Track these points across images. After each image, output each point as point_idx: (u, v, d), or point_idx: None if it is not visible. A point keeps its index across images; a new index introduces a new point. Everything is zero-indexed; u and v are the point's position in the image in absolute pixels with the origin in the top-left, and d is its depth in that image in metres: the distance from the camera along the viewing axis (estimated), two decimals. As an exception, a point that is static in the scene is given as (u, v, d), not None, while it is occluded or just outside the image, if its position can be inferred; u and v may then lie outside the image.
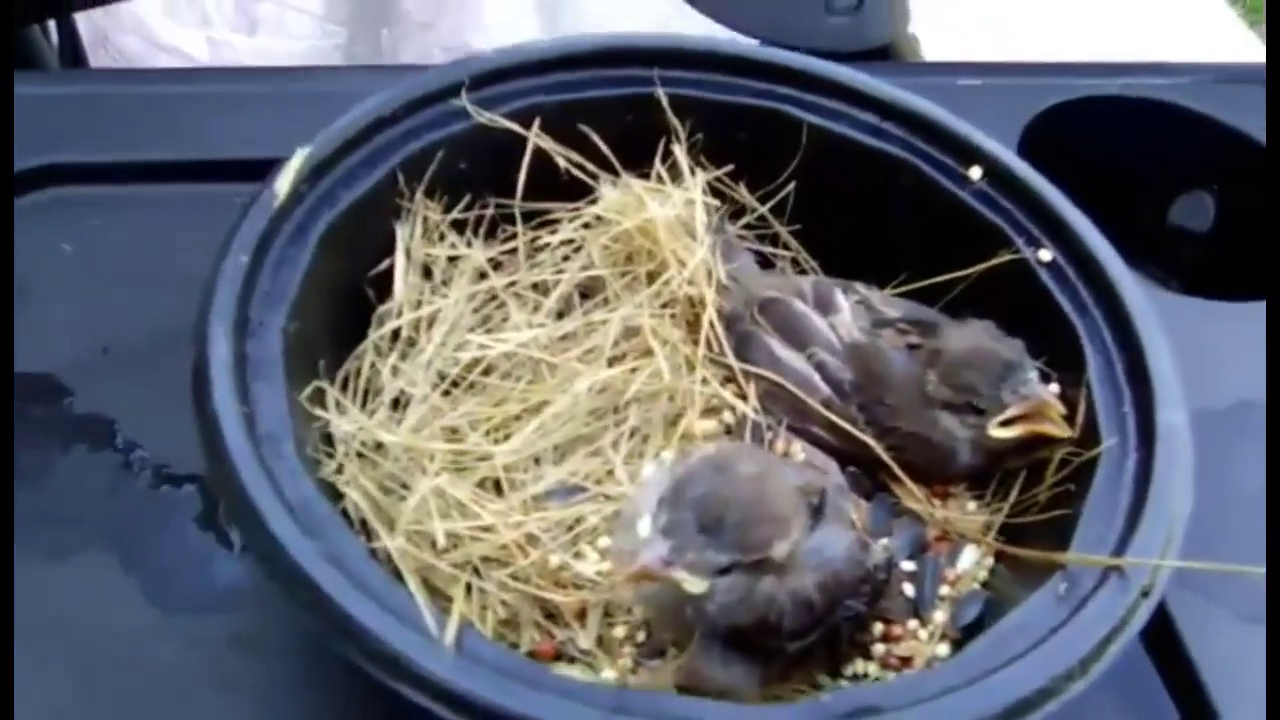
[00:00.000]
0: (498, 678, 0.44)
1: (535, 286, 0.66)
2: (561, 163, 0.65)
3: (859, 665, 0.57)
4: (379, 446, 0.57)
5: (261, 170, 0.59)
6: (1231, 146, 0.82)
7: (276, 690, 0.56)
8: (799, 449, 0.62)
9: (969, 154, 0.65)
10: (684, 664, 0.53)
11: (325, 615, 0.45)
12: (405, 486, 0.56)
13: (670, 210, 0.62)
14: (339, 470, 0.54)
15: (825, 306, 0.64)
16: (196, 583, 0.59)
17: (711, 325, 0.63)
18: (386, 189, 0.61)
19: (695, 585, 0.48)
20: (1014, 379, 0.59)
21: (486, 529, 0.55)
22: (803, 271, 0.69)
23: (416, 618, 0.46)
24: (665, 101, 0.65)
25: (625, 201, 0.63)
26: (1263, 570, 0.55)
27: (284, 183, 0.57)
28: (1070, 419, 0.58)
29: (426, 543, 0.53)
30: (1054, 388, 0.59)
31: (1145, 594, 0.50)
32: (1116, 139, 0.85)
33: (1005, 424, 0.59)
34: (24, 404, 0.63)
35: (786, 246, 0.70)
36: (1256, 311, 0.73)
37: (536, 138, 0.64)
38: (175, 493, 0.63)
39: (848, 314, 0.63)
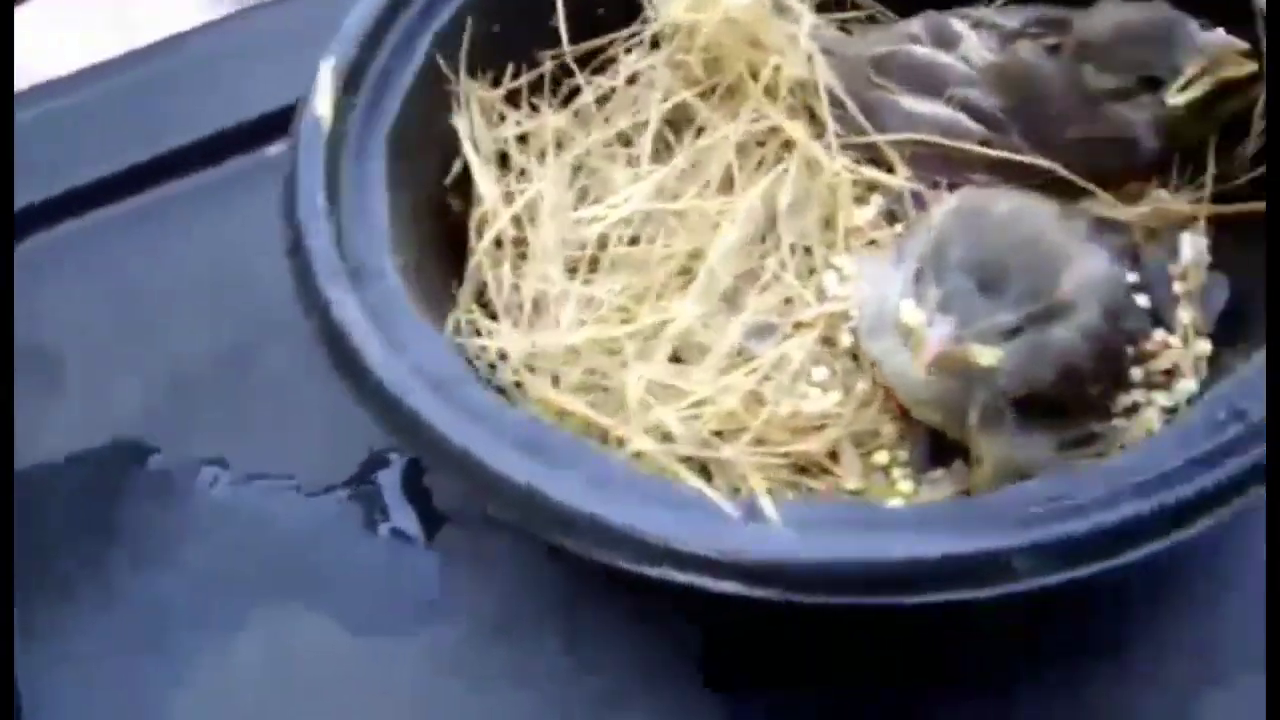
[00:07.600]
0: (846, 531, 0.37)
1: (618, 138, 0.57)
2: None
3: (1121, 399, 0.51)
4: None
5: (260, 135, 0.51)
6: None
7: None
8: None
9: None
10: (978, 453, 0.46)
11: (639, 549, 0.37)
12: (591, 390, 0.48)
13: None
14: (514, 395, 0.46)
15: (945, 41, 0.55)
16: (385, 596, 0.51)
17: (835, 102, 0.55)
18: (431, 75, 0.51)
19: (989, 355, 0.42)
20: (1179, 36, 0.52)
21: (700, 403, 0.47)
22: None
23: (717, 511, 0.38)
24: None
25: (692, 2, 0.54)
26: None
27: (323, 101, 0.48)
28: (1252, 55, 0.51)
29: (657, 438, 0.45)
30: (1220, 31, 0.52)
31: None
32: None
33: (1184, 88, 0.52)
34: (126, 479, 0.55)
35: (855, 5, 0.61)
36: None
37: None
38: (321, 505, 0.54)
39: (973, 39, 0.55)
